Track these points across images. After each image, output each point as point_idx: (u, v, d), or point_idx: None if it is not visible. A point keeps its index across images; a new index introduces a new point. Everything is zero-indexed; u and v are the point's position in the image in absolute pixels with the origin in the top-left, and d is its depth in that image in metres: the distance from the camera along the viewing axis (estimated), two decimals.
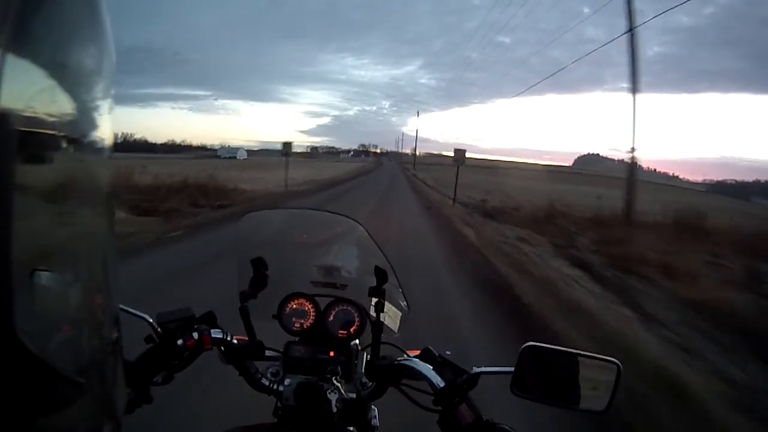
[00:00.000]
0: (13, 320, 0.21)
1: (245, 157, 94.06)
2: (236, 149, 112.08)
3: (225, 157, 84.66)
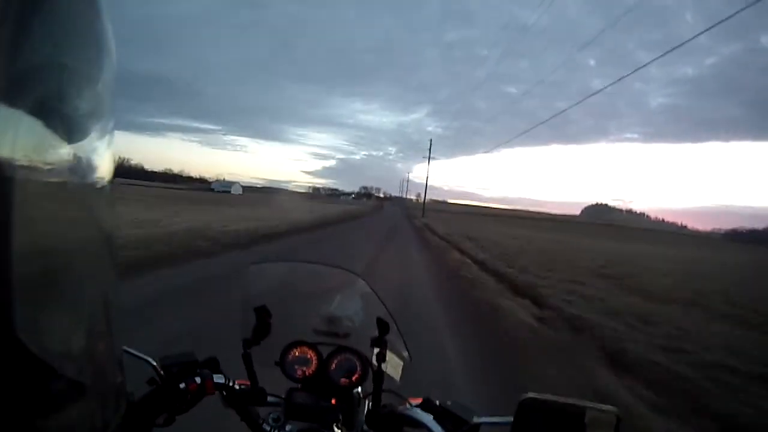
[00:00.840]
0: (14, 320, 0.22)
1: (240, 192, 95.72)
2: (231, 183, 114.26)
3: (218, 191, 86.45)
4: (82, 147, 0.29)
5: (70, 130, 0.28)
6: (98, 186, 0.31)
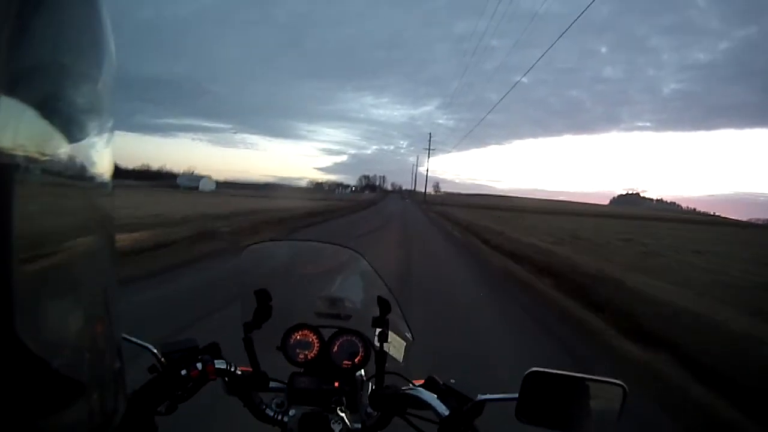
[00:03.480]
0: (14, 320, 0.26)
1: (212, 188, 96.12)
2: (199, 177, 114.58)
3: (185, 187, 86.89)
4: (81, 146, 0.34)
5: (70, 129, 0.32)
6: (98, 184, 0.36)
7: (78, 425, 0.34)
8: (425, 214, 41.38)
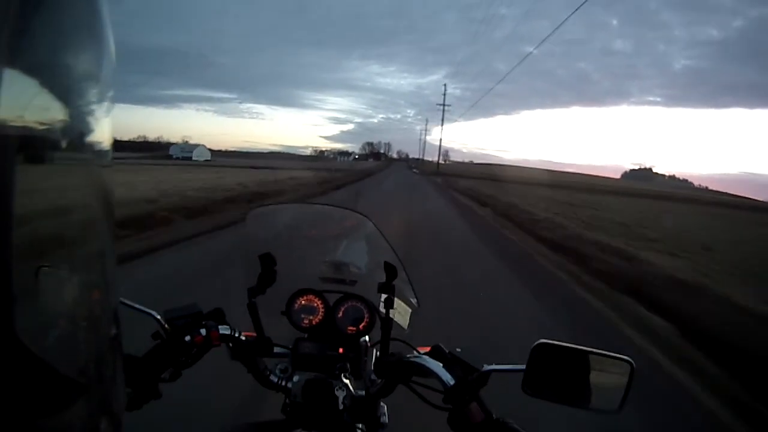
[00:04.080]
0: (13, 320, 0.27)
1: (207, 158, 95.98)
2: (193, 147, 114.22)
3: (178, 158, 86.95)
4: (80, 117, 0.36)
5: (70, 114, 0.34)
6: (97, 156, 0.38)
7: (78, 425, 0.36)
8: (447, 198, 23.11)
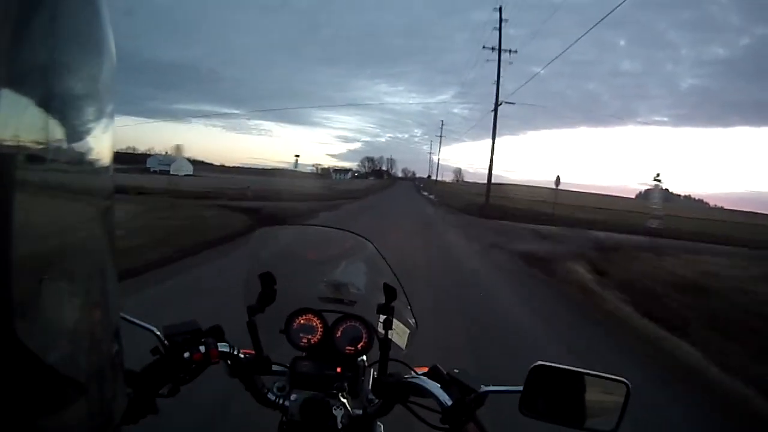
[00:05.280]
0: (14, 322, 0.30)
1: (189, 172, 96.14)
2: (172, 159, 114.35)
3: (155, 171, 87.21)
4: (81, 133, 0.39)
5: (70, 127, 0.37)
6: (98, 181, 0.42)
7: (78, 425, 0.39)
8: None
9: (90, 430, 0.40)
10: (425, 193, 60.99)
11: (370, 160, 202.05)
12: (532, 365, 0.92)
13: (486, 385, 0.96)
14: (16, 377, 0.31)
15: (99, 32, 0.40)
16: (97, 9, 0.39)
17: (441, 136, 77.09)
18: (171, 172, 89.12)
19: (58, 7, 0.36)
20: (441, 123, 78.99)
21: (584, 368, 0.94)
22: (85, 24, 0.39)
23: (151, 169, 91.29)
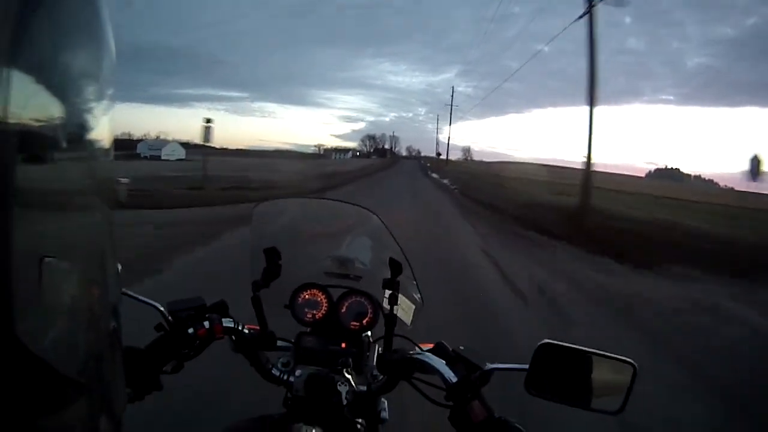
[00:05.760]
0: (13, 320, 0.31)
1: (181, 156, 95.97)
2: (163, 143, 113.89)
3: (145, 156, 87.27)
4: (82, 117, 0.41)
5: (70, 112, 0.38)
6: (98, 181, 0.44)
7: (78, 424, 0.41)
8: None
9: (90, 430, 0.42)
10: (435, 176, 48.47)
11: (372, 138, 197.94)
12: (539, 343, 0.94)
13: (492, 363, 0.98)
14: (16, 377, 0.32)
15: (97, 19, 0.41)
16: (97, 11, 0.41)
17: (452, 105, 71.96)
18: (162, 158, 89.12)
19: (59, 10, 0.37)
20: (452, 89, 73.41)
21: (590, 347, 0.93)
22: (83, 10, 0.40)
23: (141, 155, 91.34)
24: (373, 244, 1.27)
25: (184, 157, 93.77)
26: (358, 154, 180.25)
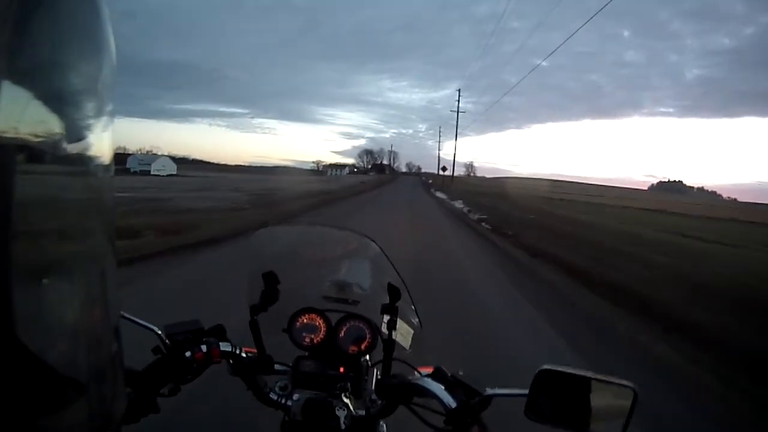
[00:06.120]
0: (14, 322, 0.32)
1: (172, 171, 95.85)
2: (153, 158, 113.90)
3: (135, 171, 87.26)
4: (81, 132, 0.41)
5: (70, 126, 0.39)
6: (98, 180, 0.45)
7: (78, 425, 0.42)
8: None
9: (90, 430, 0.43)
10: (441, 196, 42.40)
11: (369, 153, 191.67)
12: (538, 369, 0.96)
13: (491, 388, 1.00)
14: (16, 377, 0.33)
15: (99, 30, 0.42)
16: (96, 8, 0.41)
17: (458, 111, 65.22)
18: (152, 173, 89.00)
19: (59, 10, 0.37)
20: (458, 92, 68.05)
21: (591, 371, 0.96)
22: (84, 22, 0.41)
23: (131, 170, 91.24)
24: (371, 270, 1.31)
25: (175, 173, 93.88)
26: (355, 170, 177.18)
